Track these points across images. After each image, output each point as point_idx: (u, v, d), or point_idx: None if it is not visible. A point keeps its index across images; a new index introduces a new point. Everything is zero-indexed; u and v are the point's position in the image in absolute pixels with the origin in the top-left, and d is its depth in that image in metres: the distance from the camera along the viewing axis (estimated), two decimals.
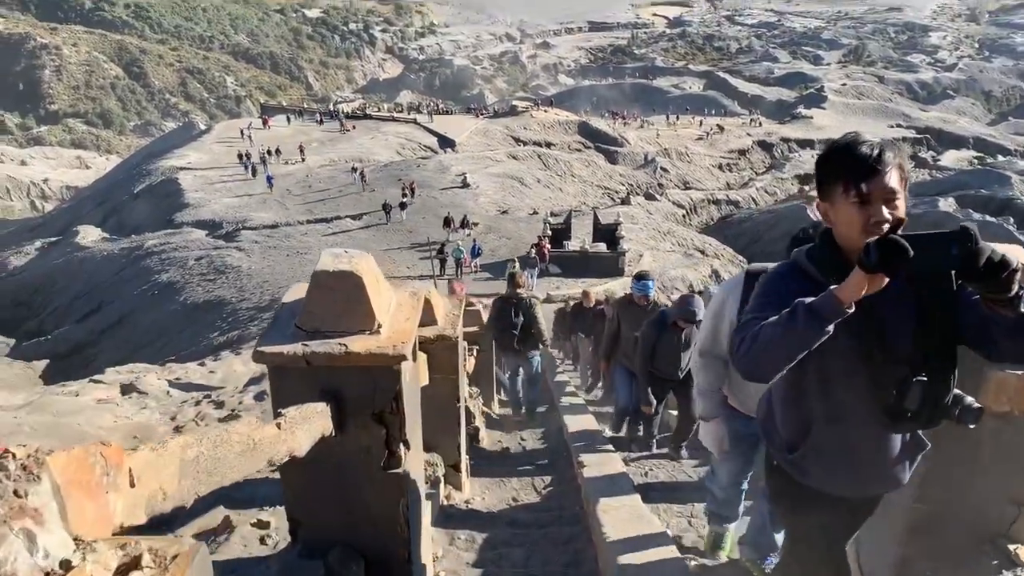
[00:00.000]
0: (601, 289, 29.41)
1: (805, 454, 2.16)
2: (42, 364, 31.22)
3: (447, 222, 34.70)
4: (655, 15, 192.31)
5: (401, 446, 2.57)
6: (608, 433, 7.04)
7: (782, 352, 1.79)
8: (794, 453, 2.19)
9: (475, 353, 7.77)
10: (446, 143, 62.94)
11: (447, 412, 4.63)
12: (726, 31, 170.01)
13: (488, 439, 7.03)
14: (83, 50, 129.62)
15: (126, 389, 9.07)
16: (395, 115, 75.76)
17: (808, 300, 1.74)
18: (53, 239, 45.22)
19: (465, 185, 45.79)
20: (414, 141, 63.39)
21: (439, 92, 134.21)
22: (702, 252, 40.96)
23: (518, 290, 8.18)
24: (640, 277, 6.82)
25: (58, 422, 5.93)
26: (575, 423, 6.85)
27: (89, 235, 43.21)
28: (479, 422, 6.98)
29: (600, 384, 10.94)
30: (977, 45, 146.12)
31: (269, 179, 44.47)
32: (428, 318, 4.43)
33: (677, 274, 33.76)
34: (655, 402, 6.21)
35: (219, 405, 7.64)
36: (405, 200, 39.30)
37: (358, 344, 2.40)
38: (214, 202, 43.65)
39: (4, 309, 37.75)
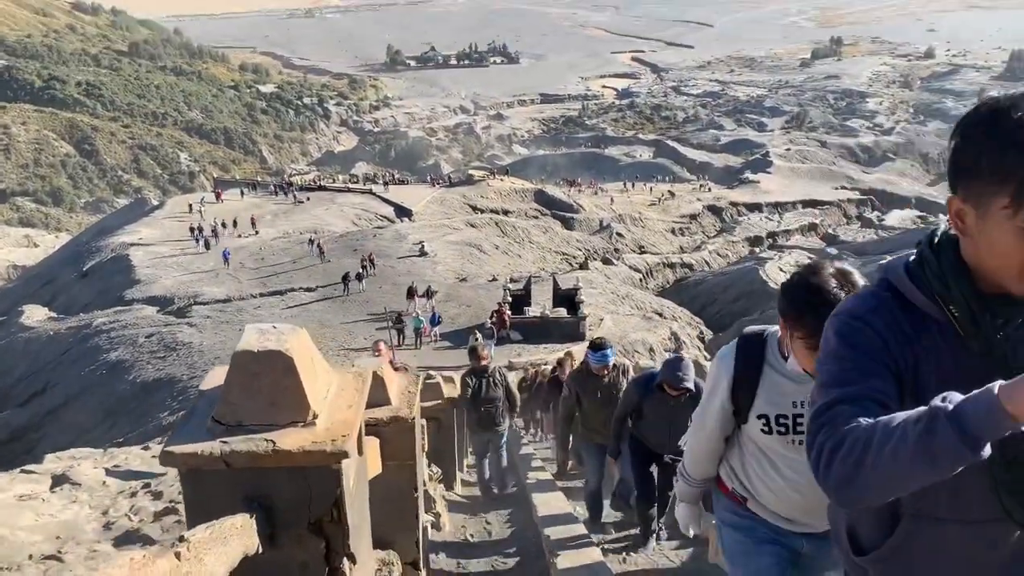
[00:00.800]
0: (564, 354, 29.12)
1: (885, 558, 1.49)
2: None
3: (410, 292, 34.15)
4: (604, 87, 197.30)
5: (345, 560, 2.14)
6: (581, 515, 6.57)
7: (905, 480, 1.15)
8: (865, 555, 1.52)
9: (434, 428, 7.34)
10: (403, 212, 62.87)
11: (404, 503, 4.16)
12: (673, 101, 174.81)
13: (450, 525, 6.53)
14: (32, 128, 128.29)
15: (57, 480, 8.36)
16: (350, 186, 75.73)
17: (953, 405, 1.09)
18: None
19: (423, 253, 45.51)
20: (370, 211, 63.25)
21: (394, 163, 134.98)
22: (660, 315, 41.01)
23: (482, 363, 8.00)
24: (597, 347, 6.25)
25: None
26: (544, 504, 6.40)
27: (35, 315, 41.82)
28: (440, 507, 6.48)
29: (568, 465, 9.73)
30: (912, 110, 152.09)
31: (225, 254, 43.58)
32: (380, 396, 4.01)
33: (638, 337, 33.62)
34: (620, 458, 5.60)
35: (157, 496, 7.02)
36: (363, 271, 38.79)
37: (288, 440, 1.99)
38: (165, 278, 42.70)
39: None
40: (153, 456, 11.19)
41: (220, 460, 1.97)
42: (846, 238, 69.55)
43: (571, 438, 6.97)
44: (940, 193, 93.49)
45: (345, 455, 2.03)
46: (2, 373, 36.67)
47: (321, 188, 72.10)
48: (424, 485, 4.58)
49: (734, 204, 79.21)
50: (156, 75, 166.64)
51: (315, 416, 2.09)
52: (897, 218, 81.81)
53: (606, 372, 6.24)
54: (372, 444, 3.65)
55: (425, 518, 5.11)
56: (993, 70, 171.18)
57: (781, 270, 51.33)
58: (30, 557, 4.53)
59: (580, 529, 5.56)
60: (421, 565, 4.41)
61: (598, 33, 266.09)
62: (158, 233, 53.07)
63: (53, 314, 42.25)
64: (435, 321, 31.78)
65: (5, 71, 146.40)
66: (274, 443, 2.00)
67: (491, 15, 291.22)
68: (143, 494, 7.11)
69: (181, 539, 1.58)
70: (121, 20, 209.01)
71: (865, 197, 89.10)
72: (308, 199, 64.73)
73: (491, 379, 8.28)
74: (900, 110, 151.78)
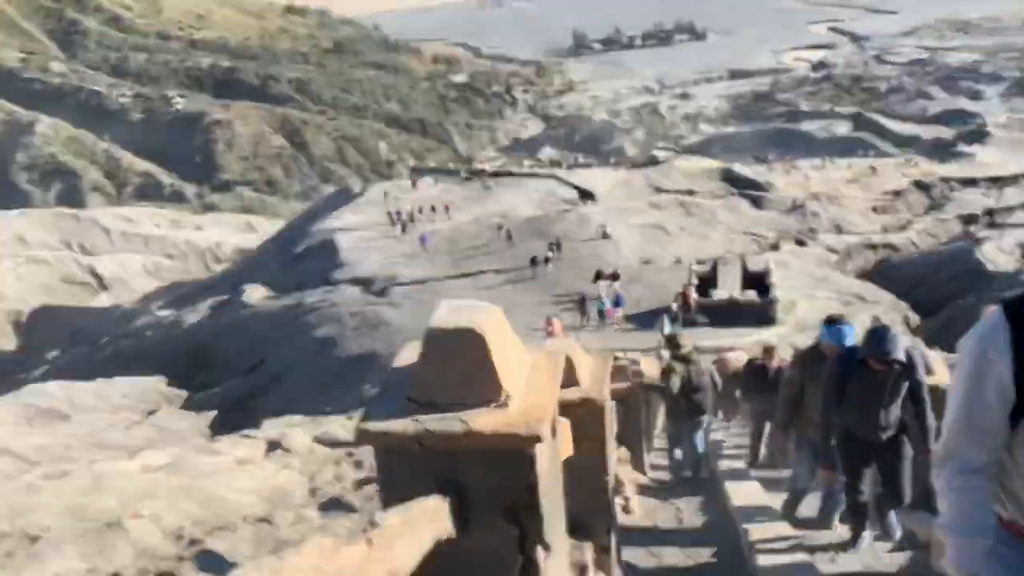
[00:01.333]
0: (752, 341, 27.92)
1: None
2: (211, 415, 33.03)
3: (598, 275, 34.04)
4: (797, 59, 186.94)
5: (539, 549, 2.05)
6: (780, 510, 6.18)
7: None
8: None
9: (622, 413, 7.19)
10: (586, 196, 62.74)
11: (595, 487, 4.05)
12: (874, 70, 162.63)
13: (639, 509, 6.37)
14: (251, 123, 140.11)
15: (272, 446, 9.05)
16: (536, 171, 76.55)
17: None
18: (223, 298, 48.07)
19: (606, 236, 45.25)
20: (555, 195, 63.57)
21: (579, 147, 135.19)
22: (861, 299, 38.39)
23: (683, 351, 7.91)
24: (832, 321, 5.19)
25: (193, 484, 5.81)
26: (740, 495, 6.08)
27: (255, 293, 45.63)
28: (629, 491, 6.33)
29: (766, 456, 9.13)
30: None
31: (424, 237, 45.36)
32: (570, 378, 3.92)
33: None
34: (838, 470, 4.84)
35: (358, 465, 7.38)
36: (551, 254, 39.05)
37: (481, 421, 1.91)
38: (367, 260, 45.19)
39: (179, 364, 40.25)
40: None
41: (413, 439, 1.93)
42: None
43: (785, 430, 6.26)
44: None
45: (539, 439, 1.93)
46: (228, 346, 40.36)
47: (508, 174, 73.41)
48: (613, 472, 4.45)
49: (945, 179, 72.47)
50: (358, 70, 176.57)
51: (508, 397, 2.01)
52: None
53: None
54: (564, 426, 3.57)
55: (612, 495, 4.98)
56: None
57: (1001, 250, 46.56)
58: (244, 519, 4.88)
59: (781, 524, 5.22)
60: (613, 552, 4.29)
61: (791, 4, 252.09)
62: (360, 219, 56.18)
63: (270, 293, 45.90)
64: (619, 303, 31.53)
65: (229, 73, 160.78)
66: (467, 423, 1.94)
67: None
68: (346, 462, 7.50)
69: (372, 524, 1.53)
70: (326, 20, 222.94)
71: None
72: (496, 184, 66.10)
73: (697, 368, 8.18)
74: None
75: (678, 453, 9.08)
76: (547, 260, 38.23)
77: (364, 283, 41.40)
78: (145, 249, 69.10)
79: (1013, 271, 40.04)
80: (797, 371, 5.57)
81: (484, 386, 1.99)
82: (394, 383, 2.17)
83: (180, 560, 3.99)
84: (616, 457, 5.83)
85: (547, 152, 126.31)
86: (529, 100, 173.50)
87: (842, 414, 4.64)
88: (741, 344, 26.85)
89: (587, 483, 3.99)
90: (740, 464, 8.97)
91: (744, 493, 6.22)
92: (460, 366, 1.99)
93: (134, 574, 3.96)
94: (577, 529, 4.09)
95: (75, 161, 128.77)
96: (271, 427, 11.94)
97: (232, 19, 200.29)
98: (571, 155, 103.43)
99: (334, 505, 5.36)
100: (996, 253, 44.64)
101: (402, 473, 1.98)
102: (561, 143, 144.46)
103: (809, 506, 6.13)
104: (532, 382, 2.20)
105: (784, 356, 9.68)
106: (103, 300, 58.63)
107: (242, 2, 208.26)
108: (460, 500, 1.98)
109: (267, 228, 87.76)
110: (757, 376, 12.35)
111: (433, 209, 53.82)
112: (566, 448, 3.53)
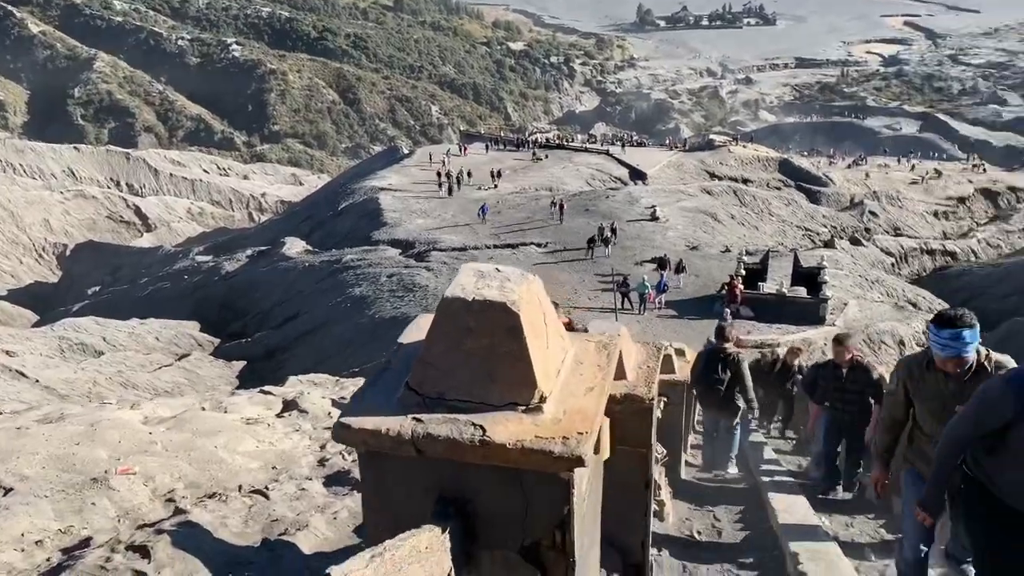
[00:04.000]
0: (799, 338, 27.04)
1: None
2: (240, 365, 33.15)
3: (662, 263, 33.11)
4: (869, 52, 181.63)
5: None
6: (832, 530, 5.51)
7: None
8: None
9: (663, 405, 6.65)
10: (637, 175, 61.66)
11: (632, 496, 3.52)
12: (948, 70, 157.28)
13: (674, 515, 5.82)
14: (306, 76, 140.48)
15: (288, 406, 8.65)
16: (588, 146, 75.50)
17: None
18: (263, 248, 48.23)
19: (654, 218, 44.29)
20: (605, 172, 62.63)
21: (634, 125, 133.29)
22: (914, 305, 37.12)
23: (726, 344, 7.58)
24: (947, 322, 3.58)
25: (194, 442, 5.40)
26: (786, 510, 5.50)
27: (295, 247, 45.64)
28: (664, 494, 5.79)
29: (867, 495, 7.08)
30: None
31: (484, 208, 44.55)
32: (615, 371, 3.38)
33: (886, 327, 30.52)
34: (940, 511, 3.51)
35: None
36: (609, 236, 38.10)
37: (503, 429, 1.38)
38: (408, 222, 44.88)
39: (213, 311, 40.49)
40: None
41: (410, 444, 1.41)
42: None
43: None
44: None
45: (580, 462, 1.40)
46: (263, 297, 40.46)
47: (559, 147, 72.50)
48: (654, 480, 3.91)
49: (1013, 189, 69.91)
50: (416, 29, 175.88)
51: (543, 398, 1.48)
52: None
53: (960, 369, 3.69)
54: (604, 426, 3.04)
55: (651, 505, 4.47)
56: None
57: None
58: (240, 488, 4.47)
59: (834, 549, 4.63)
60: (646, 569, 3.76)
61: None
62: (406, 180, 55.90)
63: (310, 247, 45.90)
64: (662, 288, 30.74)
65: (287, 23, 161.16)
66: (484, 430, 1.41)
67: None
68: None
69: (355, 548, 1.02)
70: None
71: None
72: (547, 157, 65.31)
73: (725, 362, 8.04)
74: None
75: (711, 447, 8.92)
76: (606, 242, 37.33)
77: (404, 245, 41.11)
78: (192, 193, 69.82)
79: None
80: (900, 385, 4.06)
81: (512, 382, 1.47)
82: (396, 364, 1.65)
83: (159, 533, 3.56)
84: (655, 456, 5.28)
85: (600, 128, 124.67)
86: (587, 73, 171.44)
87: (992, 468, 3.10)
88: (785, 341, 26.02)
89: (624, 492, 3.46)
90: (782, 468, 8.40)
91: (790, 508, 5.65)
92: (482, 352, 1.46)
93: (106, 543, 3.55)
94: (608, 542, 3.59)
95: (130, 100, 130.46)
96: (294, 384, 11.57)
97: None
98: (625, 133, 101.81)
99: (342, 479, 4.91)
100: None
101: (393, 486, 1.47)
102: (616, 120, 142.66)
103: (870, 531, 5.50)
104: (574, 379, 1.66)
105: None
106: (146, 240, 59.38)
107: None
108: (466, 529, 1.47)
109: (313, 182, 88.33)
110: (781, 375, 11.77)
111: (494, 175, 53.29)
112: (605, 452, 3.00)
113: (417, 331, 1.76)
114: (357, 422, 1.46)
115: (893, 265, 49.18)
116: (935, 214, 63.68)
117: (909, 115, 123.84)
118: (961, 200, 66.54)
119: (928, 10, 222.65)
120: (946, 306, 27.26)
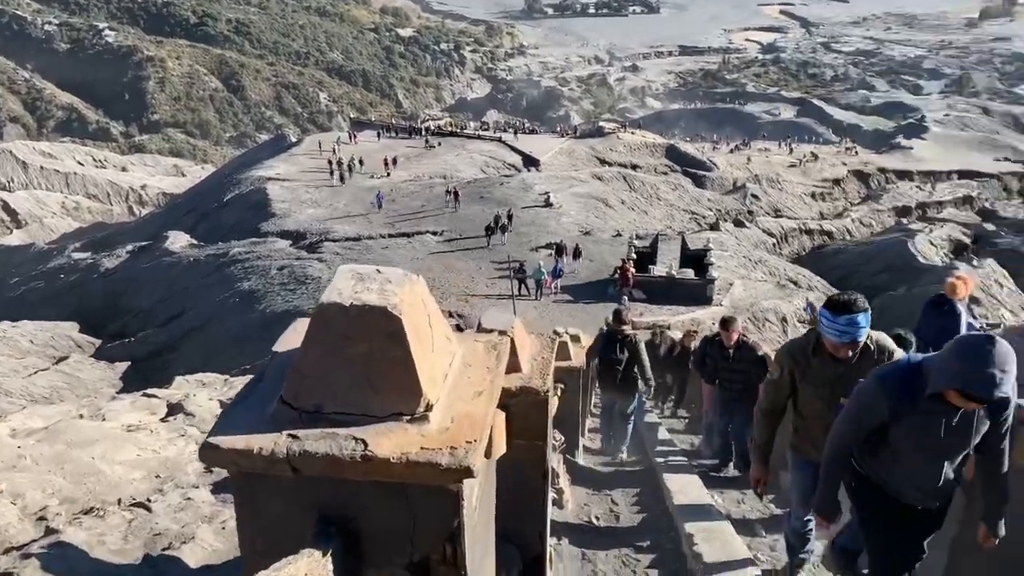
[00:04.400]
0: (688, 319, 27.88)
1: None
2: (123, 366, 31.59)
3: (559, 250, 33.40)
4: (748, 40, 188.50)
5: None
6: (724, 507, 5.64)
7: None
8: None
9: (560, 393, 6.68)
10: (530, 162, 62.11)
11: (529, 490, 3.49)
12: (822, 58, 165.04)
13: (573, 502, 5.86)
14: (185, 63, 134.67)
15: (173, 409, 8.26)
16: (481, 133, 75.50)
17: None
18: (144, 243, 46.10)
19: (548, 204, 44.74)
20: (498, 159, 62.80)
21: (525, 112, 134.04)
22: (795, 283, 38.84)
23: (623, 327, 7.84)
24: (843, 308, 3.48)
25: (68, 454, 5.05)
26: (680, 491, 5.62)
27: (178, 241, 43.82)
28: (563, 481, 5.81)
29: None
30: None
31: (380, 197, 43.65)
32: (509, 363, 3.34)
33: (769, 305, 31.84)
34: (836, 515, 3.33)
35: None
36: (508, 222, 38.15)
37: (387, 442, 1.29)
38: (299, 213, 43.79)
39: (93, 310, 38.45)
40: None
41: (284, 462, 1.31)
42: (1005, 214, 63.68)
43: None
44: None
45: (469, 473, 1.32)
46: (146, 294, 38.70)
47: (453, 134, 72.19)
48: (551, 471, 3.90)
49: (883, 170, 74.11)
50: (301, 15, 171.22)
51: (429, 406, 1.40)
52: None
53: (851, 354, 3.62)
54: (498, 421, 2.98)
55: (549, 496, 4.46)
56: None
57: (932, 244, 47.72)
58: (119, 502, 4.19)
59: (727, 528, 4.75)
60: (546, 561, 3.74)
61: None
62: (295, 169, 54.47)
63: (194, 241, 44.15)
64: (557, 273, 31.11)
65: (164, 7, 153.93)
66: (365, 444, 1.32)
67: None
68: None
69: None
70: None
71: None
72: (439, 144, 64.92)
73: (622, 343, 8.30)
74: None
75: (608, 429, 9.16)
76: (503, 229, 37.37)
77: (295, 236, 40.08)
78: (65, 187, 65.89)
79: (942, 264, 40.98)
80: (785, 371, 3.90)
81: (395, 391, 1.38)
82: (270, 376, 1.54)
83: (26, 557, 3.29)
84: (552, 445, 5.29)
85: (493, 115, 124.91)
86: (477, 60, 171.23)
87: (873, 461, 3.17)
88: (675, 322, 26.80)
89: (522, 485, 3.42)
90: (676, 448, 8.61)
91: (684, 489, 5.77)
92: (362, 360, 1.37)
93: None
94: (506, 537, 3.54)
95: None
96: (181, 385, 11.08)
97: None
98: (517, 120, 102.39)
99: (230, 486, 4.70)
100: (927, 246, 45.72)
101: (269, 508, 1.36)
102: (507, 107, 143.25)
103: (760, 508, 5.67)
104: (463, 383, 1.58)
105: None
106: (15, 238, 55.78)
107: None
108: (350, 549, 1.38)
109: (197, 173, 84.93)
110: (682, 357, 12.17)
111: (387, 163, 52.48)
112: (499, 446, 2.95)
113: (294, 337, 1.64)
114: (226, 441, 1.34)
115: (774, 245, 51.34)
116: (812, 195, 66.77)
117: (786, 101, 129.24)
118: (836, 182, 70.02)
119: None
120: (825, 284, 28.32)
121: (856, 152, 79.98)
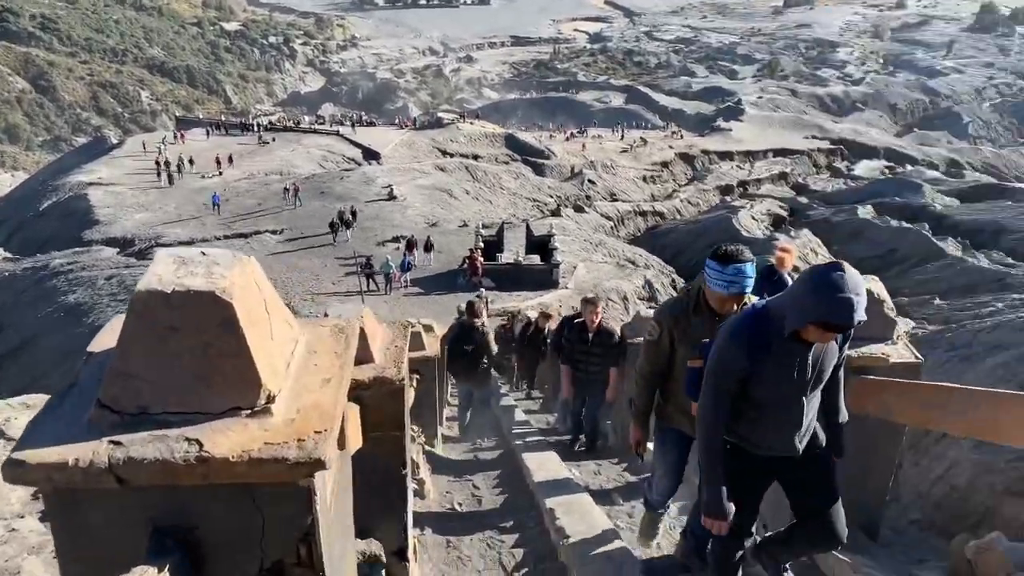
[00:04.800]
0: (536, 303, 28.42)
1: None
2: None
3: (409, 245, 32.98)
4: (576, 30, 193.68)
5: None
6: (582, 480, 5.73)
7: None
8: None
9: (415, 383, 6.58)
10: (370, 155, 61.27)
11: (389, 482, 3.39)
12: (645, 46, 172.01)
13: (435, 491, 5.79)
14: None
15: None
16: (317, 127, 73.64)
17: None
18: None
19: (392, 197, 44.29)
20: (337, 153, 61.54)
21: (362, 105, 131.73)
22: (633, 263, 40.42)
23: (475, 319, 8.01)
24: (730, 258, 3.37)
25: None
26: (539, 467, 5.68)
27: None
28: (423, 471, 5.73)
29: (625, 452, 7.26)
30: (882, 61, 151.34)
31: (215, 199, 41.39)
32: (360, 352, 3.22)
33: (612, 285, 32.98)
34: (730, 511, 3.01)
35: None
36: (349, 219, 37.33)
37: (226, 439, 1.17)
38: (125, 218, 41.15)
39: None
40: None
41: (108, 473, 1.16)
42: (816, 187, 69.00)
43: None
44: (908, 144, 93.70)
45: (321, 465, 1.22)
46: None
47: (286, 129, 70.00)
48: (410, 461, 3.81)
49: (706, 152, 78.31)
50: (115, 9, 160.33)
51: (271, 398, 1.28)
52: (866, 168, 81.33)
53: (736, 307, 3.47)
54: (352, 414, 2.86)
55: (409, 487, 4.37)
56: (963, 21, 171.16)
57: (754, 219, 50.89)
58: None
59: (586, 500, 4.84)
60: (410, 553, 3.64)
61: None
62: (118, 173, 51.14)
63: (8, 255, 40.62)
64: (406, 267, 30.89)
65: None
66: (200, 444, 1.19)
67: None
68: None
69: None
70: None
71: (835, 147, 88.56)
72: (273, 140, 62.83)
73: (471, 333, 8.64)
74: (870, 60, 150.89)
75: (467, 416, 9.23)
76: (347, 224, 36.55)
77: (122, 243, 37.65)
78: None
79: (764, 237, 43.76)
80: (664, 331, 3.67)
81: (232, 383, 1.25)
82: (85, 380, 1.36)
83: None
84: (410, 436, 5.19)
85: (328, 108, 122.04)
86: (308, 53, 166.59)
87: (742, 427, 3.05)
88: (525, 307, 27.24)
89: (381, 478, 3.32)
90: (533, 428, 8.73)
91: (542, 465, 5.84)
92: (191, 353, 1.23)
93: None
94: (366, 532, 3.42)
95: None
96: (2, 409, 10.12)
97: None
98: (354, 113, 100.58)
99: None
100: (750, 221, 48.67)
101: (93, 528, 1.19)
102: (343, 100, 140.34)
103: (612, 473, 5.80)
104: (308, 371, 1.47)
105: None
106: None
107: None
108: (193, 562, 1.25)
109: (7, 181, 78.14)
110: (534, 339, 12.39)
111: (219, 161, 50.06)
112: (354, 440, 2.83)
113: (111, 336, 1.47)
114: (34, 455, 1.16)
115: (612, 228, 53.20)
116: (644, 179, 69.61)
117: (615, 88, 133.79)
118: (664, 165, 73.31)
119: None
120: (660, 261, 29.51)
121: (681, 136, 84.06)
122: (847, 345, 3.06)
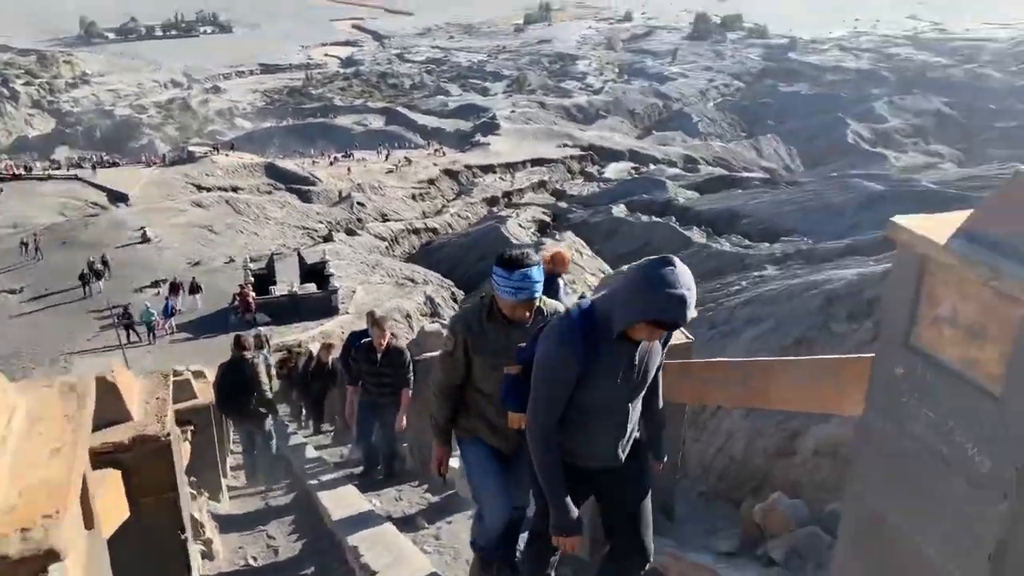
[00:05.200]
0: (318, 332, 27.61)
1: None
2: None
3: (174, 288, 30.60)
4: (327, 55, 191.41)
5: None
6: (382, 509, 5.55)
7: None
8: None
9: (190, 435, 6.06)
10: (117, 197, 56.75)
11: (166, 551, 3.04)
12: (398, 68, 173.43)
13: (224, 550, 5.36)
14: None
15: None
16: (52, 173, 67.10)
17: None
18: None
19: (146, 240, 41.28)
20: (79, 199, 56.44)
21: (101, 145, 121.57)
22: (412, 280, 40.52)
23: (244, 352, 7.53)
24: (515, 263, 3.22)
25: None
26: (336, 504, 5.42)
27: None
28: (209, 530, 5.27)
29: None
30: (617, 70, 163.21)
31: None
32: (115, 411, 2.87)
33: (393, 304, 32.81)
34: (581, 523, 2.88)
35: None
36: (102, 268, 34.20)
37: None
38: None
39: None
40: None
41: None
42: (573, 192, 72.93)
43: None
44: (649, 145, 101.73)
45: (54, 556, 1.01)
46: None
47: (16, 177, 63.02)
48: (189, 523, 3.47)
49: (469, 167, 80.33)
50: None
51: None
52: (615, 170, 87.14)
53: (528, 315, 3.36)
54: (111, 482, 2.53)
55: (194, 552, 3.99)
56: (682, 30, 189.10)
57: (521, 226, 52.83)
58: None
59: (390, 530, 4.67)
60: None
61: (313, 0, 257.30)
62: None
63: None
64: (169, 312, 28.86)
65: None
66: None
67: None
68: None
69: None
70: None
71: (585, 153, 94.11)
72: (2, 191, 56.43)
73: (244, 363, 8.09)
74: (607, 70, 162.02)
75: (253, 461, 8.77)
76: (97, 275, 33.43)
77: None
78: None
79: (532, 242, 45.53)
80: (459, 343, 3.47)
81: None
82: None
83: None
84: (189, 495, 4.75)
85: (64, 152, 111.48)
86: (33, 94, 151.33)
87: (566, 437, 2.88)
88: (307, 338, 26.38)
89: (157, 548, 2.98)
90: (329, 463, 8.40)
91: (339, 502, 5.59)
92: None
93: None
94: None
95: None
96: None
97: None
98: (93, 154, 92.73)
99: None
100: (517, 229, 50.43)
101: None
102: (79, 142, 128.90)
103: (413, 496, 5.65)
104: (32, 444, 1.23)
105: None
106: None
107: None
108: None
109: None
110: (317, 373, 12.01)
111: None
112: (115, 512, 2.51)
113: None
114: None
115: (387, 248, 53.02)
116: (413, 197, 70.13)
117: (373, 111, 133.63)
118: (431, 182, 74.33)
119: (370, 13, 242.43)
120: (439, 276, 29.84)
121: (444, 153, 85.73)
122: (667, 345, 2.99)
